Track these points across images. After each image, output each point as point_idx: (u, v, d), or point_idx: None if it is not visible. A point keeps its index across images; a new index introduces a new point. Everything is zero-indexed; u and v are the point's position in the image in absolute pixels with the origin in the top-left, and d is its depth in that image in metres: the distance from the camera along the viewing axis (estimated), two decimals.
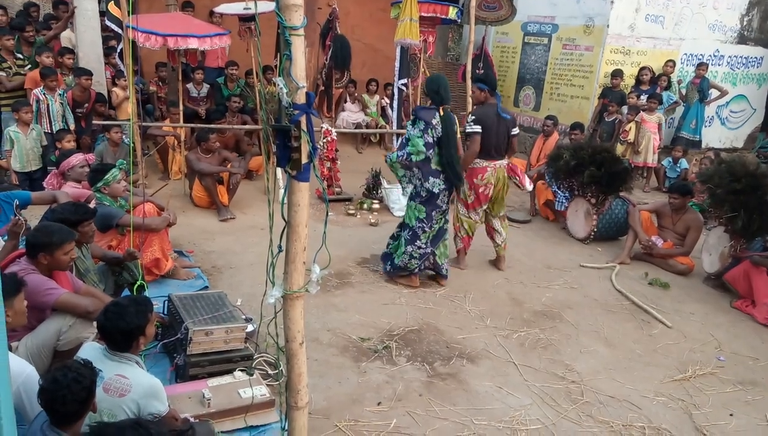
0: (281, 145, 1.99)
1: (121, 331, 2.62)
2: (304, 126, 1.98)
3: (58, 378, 2.23)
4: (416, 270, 5.03)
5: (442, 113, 4.72)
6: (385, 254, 5.26)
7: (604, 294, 5.25)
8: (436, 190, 4.83)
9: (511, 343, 4.30)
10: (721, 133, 10.70)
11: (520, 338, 4.37)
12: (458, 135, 4.90)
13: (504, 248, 5.58)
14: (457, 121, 4.90)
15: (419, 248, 4.94)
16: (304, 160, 2.02)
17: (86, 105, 7.06)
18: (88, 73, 6.99)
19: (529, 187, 5.76)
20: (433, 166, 4.78)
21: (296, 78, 1.94)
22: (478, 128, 5.02)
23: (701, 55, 9.89)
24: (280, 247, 2.16)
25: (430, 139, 4.68)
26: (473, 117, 5.10)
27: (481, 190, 5.23)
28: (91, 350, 2.69)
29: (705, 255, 5.74)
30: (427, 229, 4.92)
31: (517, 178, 5.44)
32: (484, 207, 5.36)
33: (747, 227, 5.19)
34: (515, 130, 5.26)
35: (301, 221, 2.11)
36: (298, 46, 1.92)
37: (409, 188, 4.96)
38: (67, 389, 2.20)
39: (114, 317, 2.62)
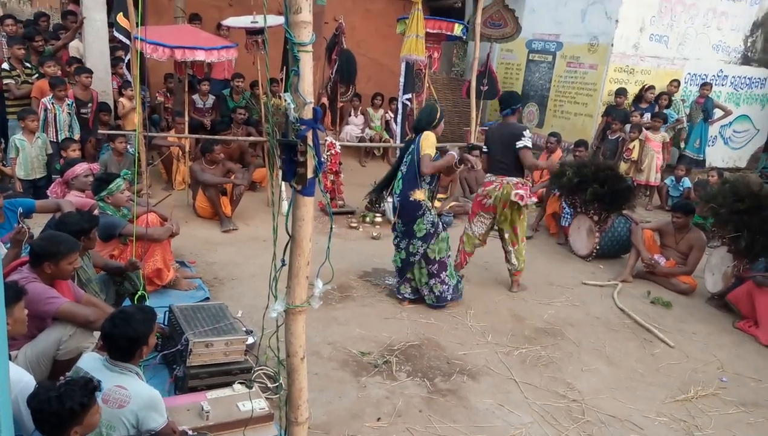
0: (287, 159, 2.00)
1: (127, 338, 2.63)
2: (310, 141, 1.99)
3: (39, 393, 2.23)
4: (394, 287, 5.10)
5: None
6: None
7: (606, 312, 5.23)
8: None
9: (512, 360, 4.28)
10: (725, 152, 10.73)
11: (522, 355, 4.35)
12: (416, 158, 4.78)
13: (514, 275, 5.45)
14: (426, 145, 4.76)
15: (393, 261, 5.05)
16: (310, 175, 2.02)
17: (90, 105, 7.10)
18: (88, 71, 7.04)
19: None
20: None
21: (304, 93, 1.95)
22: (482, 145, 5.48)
23: (705, 75, 9.93)
24: (283, 261, 2.15)
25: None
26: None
27: (480, 199, 5.31)
28: (91, 360, 2.69)
29: (708, 275, 5.72)
30: (395, 244, 5.00)
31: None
32: (484, 216, 5.30)
33: (750, 247, 5.18)
34: (519, 143, 5.04)
35: (305, 236, 2.10)
36: (307, 62, 1.93)
37: None
38: (46, 404, 2.19)
39: (121, 323, 2.64)
